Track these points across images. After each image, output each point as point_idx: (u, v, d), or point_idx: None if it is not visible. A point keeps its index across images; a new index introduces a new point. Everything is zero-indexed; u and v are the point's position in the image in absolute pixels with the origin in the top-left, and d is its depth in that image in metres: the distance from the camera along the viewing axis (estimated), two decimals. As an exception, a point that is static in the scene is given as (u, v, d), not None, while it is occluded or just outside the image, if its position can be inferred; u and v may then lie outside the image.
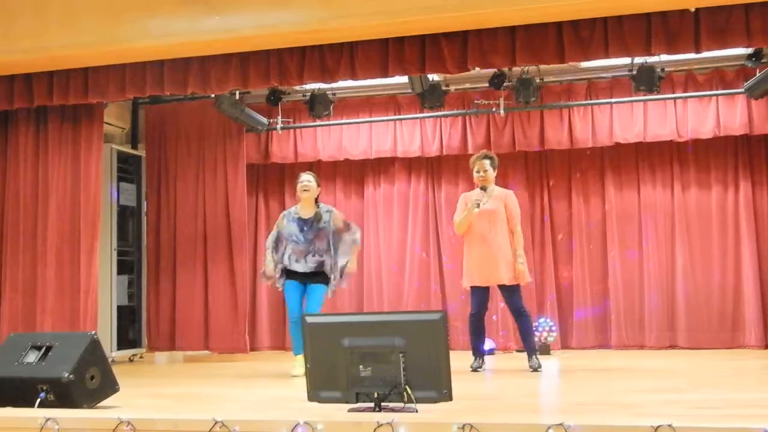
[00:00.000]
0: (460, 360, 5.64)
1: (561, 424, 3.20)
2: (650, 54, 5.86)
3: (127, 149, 8.40)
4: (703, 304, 7.76)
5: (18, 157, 7.23)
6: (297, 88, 7.82)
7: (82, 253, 7.05)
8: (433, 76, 7.52)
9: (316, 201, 6.26)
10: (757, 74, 7.01)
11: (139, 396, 4.91)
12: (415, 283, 8.44)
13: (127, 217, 8.23)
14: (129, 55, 6.19)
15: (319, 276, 6.14)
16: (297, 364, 5.84)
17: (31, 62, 6.34)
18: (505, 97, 7.75)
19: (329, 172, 8.71)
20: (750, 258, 7.66)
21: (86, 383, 4.27)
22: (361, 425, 3.43)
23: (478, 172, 6.17)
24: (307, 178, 6.21)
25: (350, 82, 7.05)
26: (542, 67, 7.05)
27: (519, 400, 4.74)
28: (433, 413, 3.63)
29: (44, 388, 4.20)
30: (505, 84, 7.45)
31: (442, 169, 8.52)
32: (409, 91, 7.83)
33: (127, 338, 8.11)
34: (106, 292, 7.68)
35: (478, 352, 6.19)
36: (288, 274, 6.21)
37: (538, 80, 7.43)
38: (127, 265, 8.18)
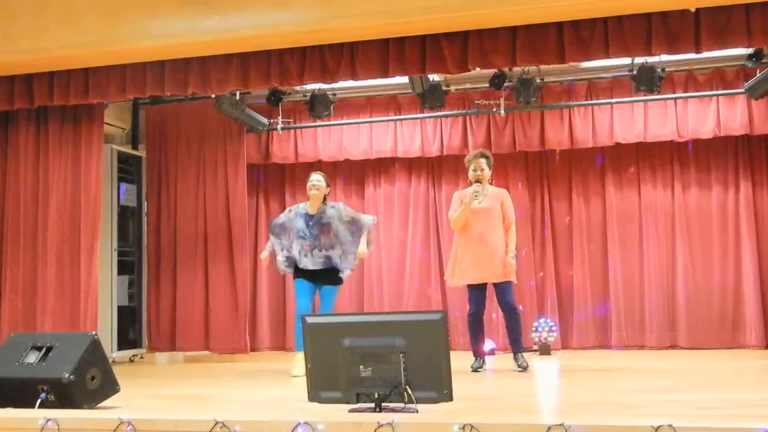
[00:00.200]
0: (460, 360, 5.64)
1: (561, 425, 3.21)
2: (650, 54, 5.86)
3: (127, 150, 8.40)
4: (704, 304, 7.76)
5: (18, 158, 7.24)
6: (297, 88, 7.82)
7: (83, 254, 7.05)
8: (434, 77, 7.53)
9: (325, 200, 6.34)
10: (758, 74, 7.01)
11: (139, 396, 4.91)
12: (415, 283, 8.44)
13: (127, 217, 8.23)
14: (129, 55, 6.20)
15: (329, 276, 6.21)
16: (297, 363, 5.84)
17: (31, 62, 6.34)
18: (505, 98, 7.75)
19: (330, 172, 8.61)
20: (750, 258, 7.65)
21: (87, 384, 4.27)
22: (362, 425, 3.43)
23: (474, 170, 6.18)
24: (317, 178, 6.32)
25: (351, 83, 7.04)
26: (543, 67, 7.05)
27: (519, 400, 4.73)
28: (433, 413, 3.64)
29: (45, 388, 4.19)
30: (505, 84, 7.46)
31: (443, 169, 8.52)
32: (410, 91, 7.83)
33: (128, 339, 8.11)
34: (106, 292, 7.68)
35: (479, 353, 6.19)
36: (298, 272, 6.27)
37: (538, 80, 7.43)
38: (127, 266, 8.18)
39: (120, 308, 7.95)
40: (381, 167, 8.65)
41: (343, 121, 8.36)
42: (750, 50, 6.77)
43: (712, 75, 7.64)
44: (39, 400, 4.15)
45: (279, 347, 8.64)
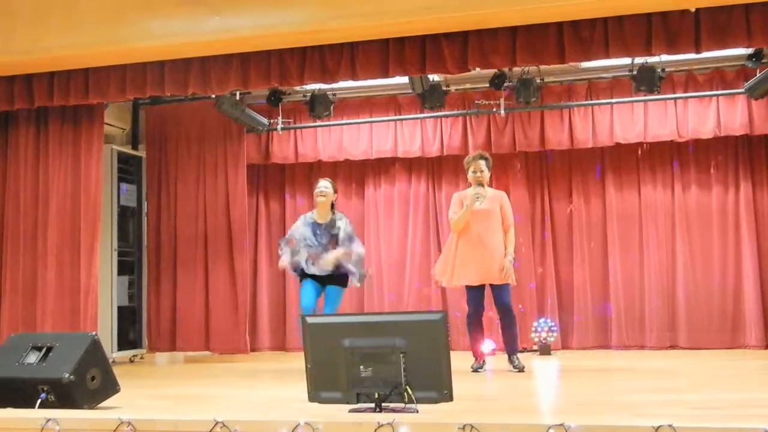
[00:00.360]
0: (460, 360, 5.64)
1: (562, 425, 3.21)
2: (651, 54, 5.86)
3: (127, 150, 8.40)
4: (704, 305, 7.76)
5: (18, 158, 7.23)
6: (297, 88, 7.82)
7: (83, 254, 7.05)
8: (434, 77, 7.52)
9: (332, 207, 6.32)
10: (758, 74, 7.01)
11: (139, 397, 4.92)
12: (415, 283, 8.44)
13: (127, 217, 8.23)
14: (129, 55, 6.19)
15: (336, 278, 6.18)
16: None
17: (31, 63, 6.34)
18: (505, 98, 7.74)
19: (330, 172, 8.69)
20: (750, 258, 7.65)
21: (87, 384, 4.27)
22: (362, 426, 3.43)
23: (474, 172, 6.18)
24: (324, 184, 6.29)
25: (350, 83, 7.04)
26: (542, 67, 7.04)
27: (519, 400, 4.74)
28: (433, 414, 3.64)
29: (45, 388, 4.20)
30: (505, 84, 7.45)
31: (443, 169, 8.51)
32: (410, 91, 7.82)
33: (128, 339, 8.11)
34: (106, 292, 7.68)
35: (478, 353, 6.19)
36: (305, 273, 6.26)
37: (538, 80, 7.42)
38: (127, 266, 8.18)
39: (120, 308, 7.94)
40: (381, 167, 8.65)
41: (343, 122, 8.35)
42: (750, 50, 6.76)
43: (712, 75, 7.64)
44: (39, 401, 4.16)
45: (279, 347, 8.64)
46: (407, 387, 3.76)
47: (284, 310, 8.70)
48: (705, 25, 5.45)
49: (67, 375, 4.15)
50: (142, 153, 8.52)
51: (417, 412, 3.67)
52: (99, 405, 4.32)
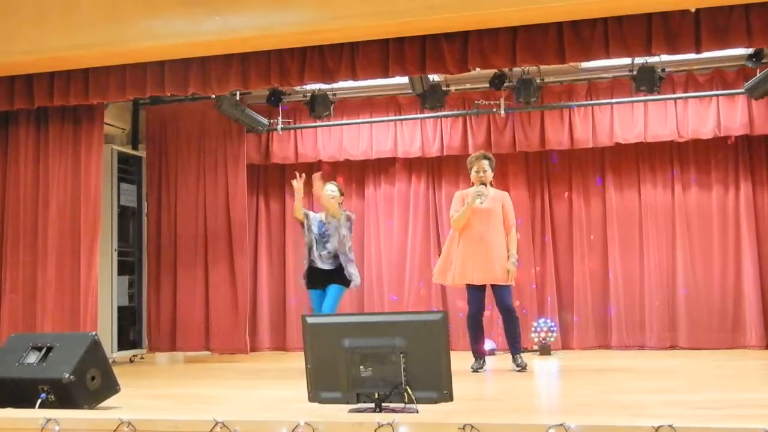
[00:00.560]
0: (460, 360, 5.64)
1: (562, 425, 3.21)
2: (651, 54, 5.86)
3: (127, 150, 8.41)
4: (704, 305, 7.76)
5: (18, 158, 7.24)
6: (297, 88, 7.81)
7: (83, 254, 7.05)
8: (434, 77, 7.52)
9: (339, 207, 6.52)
10: (758, 74, 7.01)
11: (139, 397, 4.92)
12: (415, 284, 8.44)
13: (127, 217, 8.23)
14: (129, 55, 6.20)
15: (337, 276, 6.31)
16: None
17: (31, 63, 6.34)
18: (505, 98, 7.75)
19: (330, 172, 8.71)
20: (750, 258, 7.65)
21: (87, 384, 4.27)
22: (362, 426, 3.43)
23: (477, 172, 6.18)
24: (330, 188, 6.47)
25: (351, 83, 7.06)
26: (543, 67, 7.04)
27: (520, 400, 4.74)
28: (433, 414, 3.64)
29: (45, 388, 4.20)
30: (505, 84, 7.45)
31: (443, 169, 8.52)
32: (410, 91, 7.83)
33: (128, 339, 8.11)
34: (106, 292, 7.68)
35: (478, 353, 6.19)
36: (310, 278, 6.37)
37: (538, 80, 7.42)
38: (127, 266, 8.18)
39: (120, 308, 7.95)
40: (381, 167, 8.65)
41: (343, 122, 8.36)
42: (750, 50, 6.76)
43: (712, 75, 7.64)
44: (39, 401, 4.16)
45: (279, 347, 8.64)
46: (407, 387, 3.76)
47: (284, 310, 8.70)
48: (705, 25, 5.46)
49: (67, 375, 4.15)
50: (142, 153, 8.52)
51: (417, 412, 3.67)
52: (99, 405, 4.32)
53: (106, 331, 7.56)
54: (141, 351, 8.25)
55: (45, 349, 4.40)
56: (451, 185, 8.40)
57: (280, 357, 8.14)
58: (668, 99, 7.61)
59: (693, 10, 5.42)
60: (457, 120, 8.20)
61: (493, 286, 6.10)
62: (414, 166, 8.58)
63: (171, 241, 8.29)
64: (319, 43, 5.98)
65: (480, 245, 6.07)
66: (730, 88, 7.53)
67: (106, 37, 5.97)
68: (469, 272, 6.08)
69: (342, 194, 6.57)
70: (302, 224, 6.52)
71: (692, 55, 6.02)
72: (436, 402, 3.78)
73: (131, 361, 8.05)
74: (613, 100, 7.79)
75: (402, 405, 3.75)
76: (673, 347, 7.80)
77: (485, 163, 6.20)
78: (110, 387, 4.42)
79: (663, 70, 7.05)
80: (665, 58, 6.65)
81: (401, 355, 3.81)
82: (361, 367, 3.88)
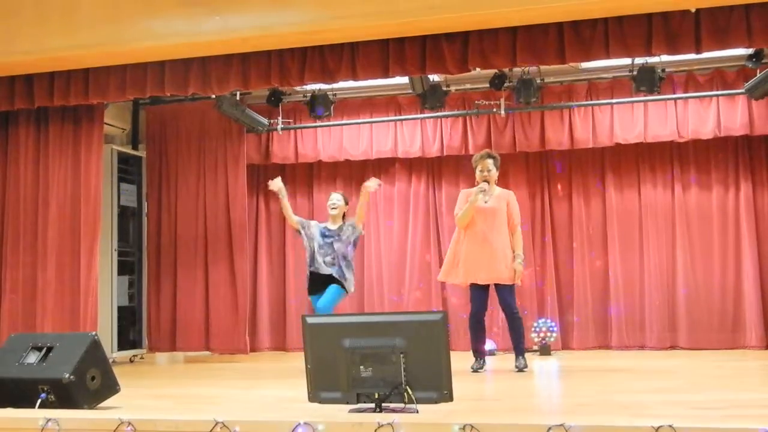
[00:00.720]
0: (460, 360, 5.64)
1: (562, 425, 3.21)
2: (651, 54, 5.86)
3: (127, 150, 8.40)
4: (704, 305, 7.76)
5: (18, 158, 7.23)
6: (297, 88, 7.81)
7: (83, 254, 7.05)
8: (434, 77, 7.53)
9: (344, 217, 6.60)
10: (758, 75, 7.01)
11: (139, 397, 4.92)
12: (415, 284, 8.44)
13: (127, 217, 8.23)
14: (130, 55, 6.20)
15: (337, 279, 6.39)
16: None
17: (32, 63, 6.34)
18: (505, 98, 7.75)
19: (330, 172, 8.72)
20: (750, 258, 7.65)
21: (87, 384, 4.27)
22: (362, 426, 3.43)
23: (481, 171, 6.18)
24: (336, 198, 6.61)
25: (351, 83, 7.06)
26: (543, 67, 7.04)
27: (520, 400, 4.74)
28: (434, 414, 3.64)
29: (45, 388, 4.20)
30: (505, 84, 7.45)
31: (443, 169, 8.52)
32: (410, 91, 7.83)
33: (128, 339, 8.11)
34: (106, 292, 7.68)
35: (479, 353, 6.19)
36: (312, 283, 6.44)
37: (538, 81, 7.42)
38: (127, 266, 8.18)
39: (120, 308, 7.95)
40: (381, 167, 8.64)
41: (344, 122, 8.36)
42: (750, 51, 6.76)
43: (713, 75, 7.64)
44: (39, 401, 4.16)
45: (279, 347, 8.64)
46: (407, 387, 3.76)
47: (284, 310, 8.70)
48: (705, 26, 5.46)
49: (67, 375, 4.15)
50: (142, 153, 8.52)
51: (417, 412, 3.66)
52: (99, 405, 4.32)
53: (106, 331, 7.56)
54: (141, 351, 8.25)
55: (45, 349, 4.40)
56: (451, 185, 8.40)
57: (280, 357, 8.14)
58: (668, 99, 7.61)
59: (693, 10, 5.42)
60: (457, 120, 8.20)
61: (496, 286, 6.10)
62: (414, 166, 8.58)
63: (171, 241, 8.29)
64: (320, 43, 5.98)
65: (484, 245, 6.06)
66: (730, 89, 7.53)
67: (107, 37, 5.97)
68: (474, 272, 6.07)
69: (347, 203, 6.65)
70: (299, 232, 6.57)
71: (692, 56, 6.02)
72: (436, 402, 3.78)
73: (131, 361, 8.05)
74: (614, 101, 7.79)
75: (402, 405, 3.75)
76: (673, 347, 7.80)
77: (490, 162, 6.19)
78: (110, 387, 4.42)
79: (663, 70, 7.05)
80: (665, 58, 6.65)
81: (401, 355, 3.81)
82: (361, 367, 3.88)
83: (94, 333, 4.48)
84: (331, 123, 8.28)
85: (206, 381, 6.20)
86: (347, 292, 6.45)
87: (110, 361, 4.69)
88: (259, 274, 8.75)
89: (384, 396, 3.79)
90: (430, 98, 7.64)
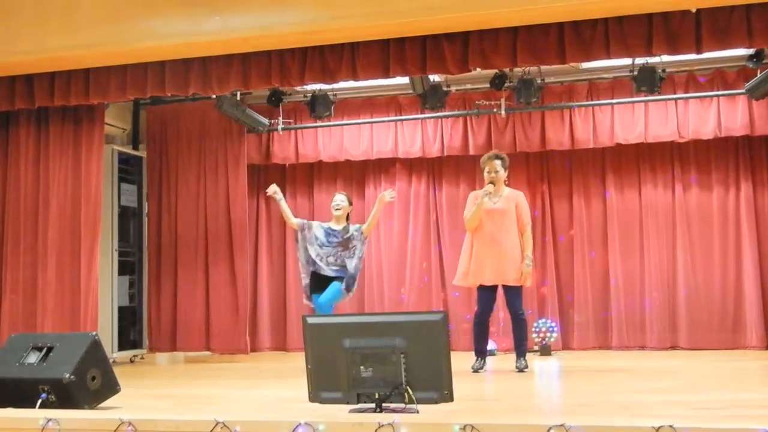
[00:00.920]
0: (461, 361, 5.64)
1: (562, 425, 3.20)
2: (651, 55, 5.86)
3: (128, 150, 8.40)
4: (704, 305, 7.76)
5: (19, 158, 7.23)
6: (298, 88, 7.81)
7: (83, 254, 7.05)
8: (434, 77, 7.52)
9: (347, 218, 6.63)
10: (758, 75, 7.01)
11: (140, 397, 4.92)
12: (415, 284, 8.43)
13: (128, 217, 8.23)
14: (130, 56, 6.20)
15: (339, 278, 6.43)
16: None
17: (32, 63, 6.34)
18: (506, 98, 7.74)
19: (330, 172, 8.72)
20: (751, 259, 7.65)
21: (87, 384, 4.28)
22: (363, 426, 3.43)
23: (489, 172, 6.17)
24: (340, 198, 6.63)
25: (351, 83, 7.05)
26: (543, 67, 7.04)
27: (520, 400, 4.74)
28: (434, 414, 3.64)
29: (45, 388, 4.20)
30: (506, 85, 7.45)
31: (443, 169, 8.51)
32: (410, 91, 7.83)
33: (128, 339, 8.11)
34: (107, 292, 7.68)
35: (480, 353, 6.19)
36: (313, 283, 6.45)
37: (539, 81, 7.42)
38: (128, 266, 8.18)
39: (120, 309, 7.94)
40: (381, 168, 8.64)
41: (344, 122, 8.35)
42: (751, 51, 6.76)
43: (713, 75, 7.64)
44: (40, 401, 4.16)
45: (279, 348, 8.63)
46: (408, 387, 3.76)
47: (285, 310, 8.70)
48: (706, 26, 5.45)
49: (67, 375, 4.16)
50: (142, 153, 8.52)
51: (417, 412, 3.67)
52: (99, 405, 4.32)
53: (107, 332, 7.56)
54: (141, 351, 8.25)
55: (45, 349, 4.40)
56: (452, 185, 8.40)
57: (281, 357, 8.14)
58: (669, 99, 7.61)
59: (694, 10, 5.42)
60: (458, 120, 8.19)
61: (504, 287, 6.10)
62: (414, 166, 8.57)
63: (171, 241, 8.29)
64: (320, 43, 5.98)
65: (492, 246, 6.06)
66: (730, 89, 7.53)
67: (107, 37, 5.97)
68: (480, 272, 6.07)
69: (351, 204, 6.68)
70: (300, 231, 6.55)
71: (693, 56, 6.02)
72: (436, 402, 3.78)
73: (132, 362, 8.05)
74: (614, 101, 7.79)
75: (402, 405, 3.76)
76: (673, 348, 7.79)
77: (497, 163, 6.19)
78: (111, 387, 4.42)
79: (663, 70, 7.05)
80: (666, 58, 6.65)
81: (401, 356, 3.81)
82: (362, 367, 3.88)
83: (94, 333, 4.48)
84: (331, 123, 8.28)
85: (207, 381, 6.20)
86: (349, 293, 6.45)
87: (111, 361, 4.69)
88: (259, 274, 8.75)
89: (384, 396, 3.79)
90: (431, 98, 7.64)
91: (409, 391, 3.75)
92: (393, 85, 7.90)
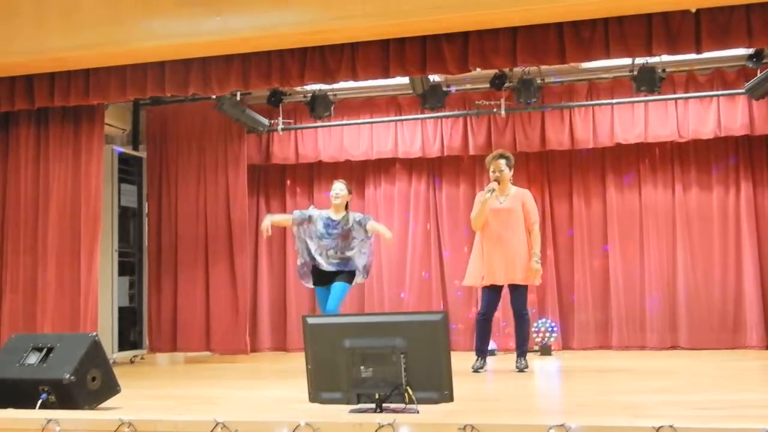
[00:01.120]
0: (461, 361, 5.64)
1: (562, 425, 3.20)
2: (651, 54, 5.86)
3: (128, 150, 8.40)
4: (705, 305, 7.76)
5: (19, 159, 7.23)
6: (298, 89, 7.81)
7: (83, 255, 7.04)
8: (434, 77, 7.52)
9: (347, 206, 6.52)
10: (758, 75, 7.01)
11: (140, 397, 4.92)
12: (415, 284, 8.43)
13: (128, 218, 8.22)
14: (130, 56, 6.19)
15: (342, 274, 6.34)
16: None
17: (32, 64, 6.34)
18: (506, 98, 7.74)
19: (330, 172, 8.70)
20: (751, 258, 7.65)
21: (87, 384, 4.27)
22: (363, 426, 3.43)
23: (494, 172, 6.17)
24: (339, 187, 6.49)
25: (351, 83, 7.06)
26: (543, 67, 7.04)
27: (520, 400, 4.74)
28: (434, 414, 3.64)
29: (45, 389, 4.20)
30: (506, 85, 7.44)
31: (443, 169, 8.51)
32: (410, 91, 7.83)
33: (129, 339, 8.10)
34: (107, 293, 7.68)
35: (481, 352, 6.19)
36: (316, 276, 6.42)
37: (539, 81, 7.42)
38: (128, 267, 8.17)
39: (121, 309, 7.94)
40: (381, 168, 8.65)
41: (344, 122, 8.35)
42: (750, 51, 6.76)
43: (713, 75, 7.64)
44: (40, 401, 4.16)
45: (279, 348, 8.64)
46: (408, 387, 3.76)
47: (285, 310, 8.70)
48: (705, 26, 5.45)
49: (67, 375, 4.16)
50: (142, 153, 8.52)
51: (418, 412, 3.66)
52: (99, 405, 4.32)
53: (107, 332, 7.56)
54: (141, 351, 8.25)
55: (45, 349, 4.40)
56: (452, 185, 8.41)
57: (281, 357, 8.14)
58: (669, 99, 7.61)
59: (693, 10, 5.42)
60: (458, 120, 8.19)
61: (510, 285, 6.10)
62: (414, 166, 8.58)
63: (171, 242, 8.29)
64: (320, 43, 5.98)
65: (499, 245, 6.06)
66: (730, 89, 7.53)
67: (107, 37, 5.97)
68: (493, 273, 6.06)
69: (350, 192, 6.58)
70: (298, 226, 6.48)
71: (693, 56, 6.02)
72: (436, 402, 3.78)
73: (132, 362, 8.05)
74: (614, 101, 7.79)
75: (403, 405, 3.75)
76: (673, 347, 7.79)
77: (502, 162, 6.19)
78: (111, 387, 4.42)
79: (663, 70, 7.05)
80: (666, 58, 6.64)
81: (402, 356, 3.81)
82: (362, 367, 3.88)
83: (94, 333, 4.48)
84: (331, 123, 8.28)
85: (207, 381, 6.20)
86: (365, 279, 6.43)
87: (111, 361, 4.69)
88: (259, 274, 8.75)
89: (384, 396, 3.79)
90: (431, 98, 7.64)
91: (409, 391, 3.75)
92: (393, 85, 7.90)
